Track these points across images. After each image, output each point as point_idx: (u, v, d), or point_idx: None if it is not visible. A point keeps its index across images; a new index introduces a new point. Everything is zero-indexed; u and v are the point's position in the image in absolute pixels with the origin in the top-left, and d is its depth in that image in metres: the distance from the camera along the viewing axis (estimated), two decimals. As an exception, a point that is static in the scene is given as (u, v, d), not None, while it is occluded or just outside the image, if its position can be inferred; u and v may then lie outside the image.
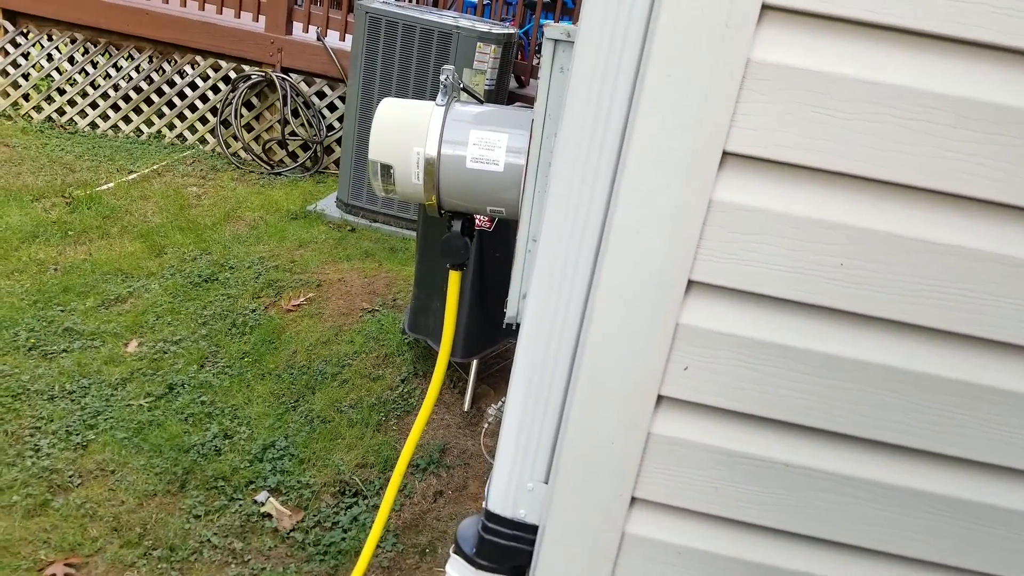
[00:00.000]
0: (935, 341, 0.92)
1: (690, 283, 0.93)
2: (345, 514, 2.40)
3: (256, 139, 5.18)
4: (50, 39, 5.25)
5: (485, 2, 5.25)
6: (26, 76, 5.26)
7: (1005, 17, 0.77)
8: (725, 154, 0.86)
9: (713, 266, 0.92)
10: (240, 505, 2.36)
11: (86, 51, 5.25)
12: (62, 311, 3.16)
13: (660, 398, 1.00)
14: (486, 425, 2.86)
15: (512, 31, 4.30)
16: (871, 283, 0.89)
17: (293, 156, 5.20)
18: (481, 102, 1.45)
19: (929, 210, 0.86)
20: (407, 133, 1.31)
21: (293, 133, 5.09)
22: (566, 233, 1.00)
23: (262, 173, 5.01)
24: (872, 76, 0.81)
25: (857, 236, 0.87)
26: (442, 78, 1.33)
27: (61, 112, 5.28)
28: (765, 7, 0.80)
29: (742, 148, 0.86)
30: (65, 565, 2.05)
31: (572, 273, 1.02)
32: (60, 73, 5.26)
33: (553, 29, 1.13)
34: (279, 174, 5.04)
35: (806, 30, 0.81)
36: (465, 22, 4.12)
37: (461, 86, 1.38)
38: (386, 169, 1.33)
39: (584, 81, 0.92)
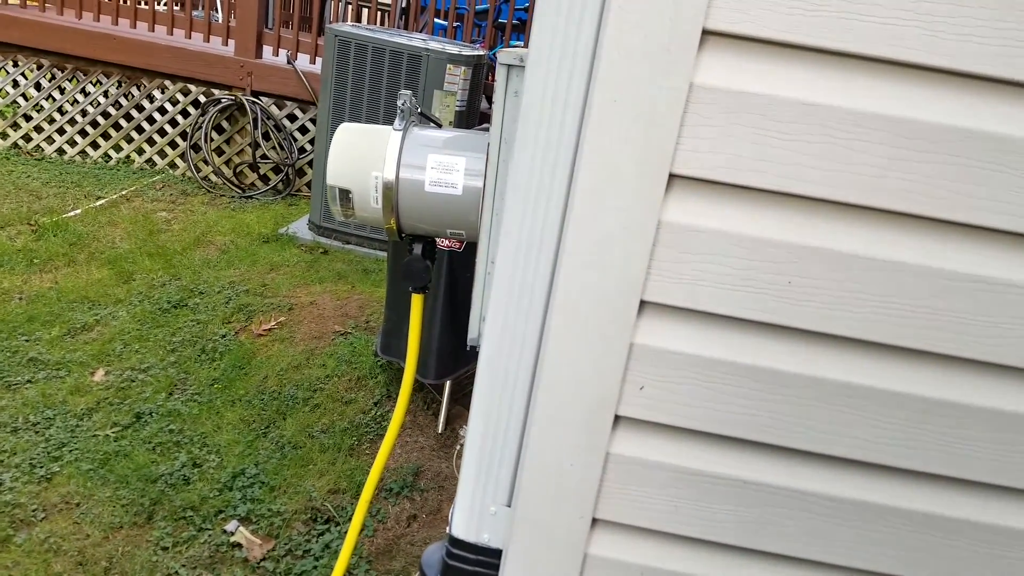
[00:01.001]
0: (887, 356, 0.93)
1: (642, 303, 0.94)
2: (317, 541, 2.37)
3: (227, 163, 5.16)
4: (15, 65, 5.20)
5: (455, 24, 5.29)
6: (-9, 103, 5.21)
7: (933, 39, 0.79)
8: (672, 176, 0.87)
9: (665, 286, 0.93)
10: (209, 535, 2.32)
11: (53, 77, 5.21)
12: (27, 341, 3.11)
13: (618, 418, 1.00)
14: (459, 447, 2.84)
15: (482, 52, 4.33)
16: (820, 300, 0.90)
17: (264, 179, 5.18)
18: (439, 126, 1.45)
19: (873, 228, 0.87)
20: (365, 158, 1.31)
21: (264, 156, 5.08)
22: (521, 255, 1.00)
23: (233, 197, 4.98)
24: (811, 98, 0.83)
25: (804, 254, 0.89)
26: (399, 103, 1.33)
27: (27, 139, 5.22)
28: (706, 32, 0.82)
29: (688, 170, 0.87)
30: (27, 602, 2.00)
31: (529, 294, 1.02)
32: (26, 99, 5.21)
33: (506, 55, 1.14)
34: (250, 197, 5.01)
35: (746, 54, 0.83)
36: (435, 44, 4.15)
37: (419, 111, 1.38)
38: (344, 194, 1.33)
39: (534, 107, 0.93)
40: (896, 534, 1.01)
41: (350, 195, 1.33)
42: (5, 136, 5.20)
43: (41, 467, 2.46)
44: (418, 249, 1.45)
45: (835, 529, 1.02)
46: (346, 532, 2.38)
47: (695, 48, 0.82)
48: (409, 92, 1.33)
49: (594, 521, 1.06)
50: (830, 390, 0.95)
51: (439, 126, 1.45)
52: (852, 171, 0.84)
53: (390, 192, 1.31)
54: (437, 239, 1.50)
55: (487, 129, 1.37)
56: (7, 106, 5.20)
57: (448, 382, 2.90)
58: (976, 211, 0.86)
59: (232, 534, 2.33)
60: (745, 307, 0.91)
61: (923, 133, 0.83)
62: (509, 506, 1.12)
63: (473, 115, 4.44)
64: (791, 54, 0.83)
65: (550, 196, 0.96)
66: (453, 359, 2.82)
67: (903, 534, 1.01)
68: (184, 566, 2.20)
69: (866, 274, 0.89)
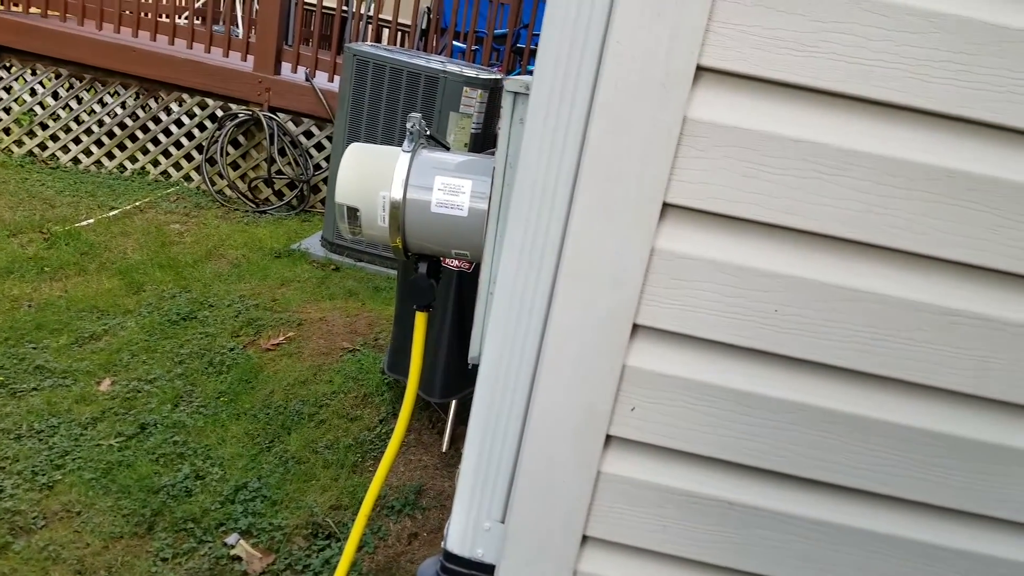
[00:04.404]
0: (868, 385, 0.95)
1: (635, 327, 0.97)
2: (317, 557, 2.39)
3: (242, 177, 5.23)
4: (34, 74, 5.31)
5: (474, 48, 5.37)
6: (7, 110, 5.30)
7: (920, 82, 0.83)
8: (666, 205, 0.91)
9: (657, 311, 0.96)
10: (210, 548, 2.34)
11: (71, 86, 5.31)
12: (34, 348, 3.16)
13: (609, 438, 1.03)
14: (460, 465, 2.85)
15: (499, 76, 4.40)
16: (805, 329, 0.93)
17: (279, 194, 5.25)
18: (448, 149, 1.50)
19: (855, 260, 0.90)
20: (373, 177, 1.35)
21: (280, 172, 5.15)
22: (521, 277, 1.04)
23: (247, 211, 5.04)
24: (799, 134, 0.86)
25: (790, 284, 0.92)
26: (408, 125, 1.37)
27: (43, 147, 5.31)
28: (700, 69, 0.86)
29: (681, 200, 0.90)
30: (27, 607, 2.02)
31: (527, 315, 1.05)
32: (43, 108, 5.31)
33: (512, 82, 1.18)
34: (264, 212, 5.08)
35: (738, 91, 0.86)
36: (452, 67, 4.21)
37: (427, 133, 1.43)
38: (352, 211, 1.37)
39: (536, 136, 0.97)
40: (875, 559, 1.03)
41: (358, 213, 1.37)
42: (21, 144, 5.30)
43: (43, 475, 2.49)
44: (423, 268, 1.48)
45: (814, 551, 1.04)
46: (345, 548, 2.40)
47: (689, 83, 0.86)
48: (419, 115, 1.37)
49: (584, 538, 1.08)
50: (814, 416, 0.97)
51: (447, 149, 1.49)
52: (838, 205, 0.88)
53: (397, 211, 1.35)
54: (443, 259, 1.54)
55: (495, 153, 1.41)
56: (24, 114, 5.30)
57: (454, 401, 2.92)
58: (955, 247, 0.89)
59: (232, 547, 2.35)
60: (732, 333, 0.94)
61: (906, 171, 0.86)
62: (503, 522, 1.15)
63: (489, 138, 4.50)
64: (781, 91, 0.86)
65: (550, 221, 0.99)
66: (459, 378, 2.84)
67: (882, 559, 1.03)
68: (183, 576, 2.22)
69: (849, 304, 0.92)
